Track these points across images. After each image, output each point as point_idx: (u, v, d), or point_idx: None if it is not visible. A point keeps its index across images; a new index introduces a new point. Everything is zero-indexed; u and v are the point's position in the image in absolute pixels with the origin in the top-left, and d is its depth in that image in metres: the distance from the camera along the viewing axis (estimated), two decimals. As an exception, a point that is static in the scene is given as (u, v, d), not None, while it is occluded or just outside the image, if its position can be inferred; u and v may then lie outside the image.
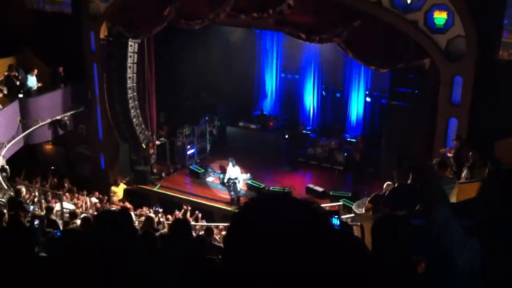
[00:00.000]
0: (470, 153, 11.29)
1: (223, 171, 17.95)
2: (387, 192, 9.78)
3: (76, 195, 16.20)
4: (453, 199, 8.36)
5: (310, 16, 14.82)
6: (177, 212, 14.95)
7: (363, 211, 11.33)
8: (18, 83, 17.39)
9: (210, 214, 16.44)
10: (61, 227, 9.67)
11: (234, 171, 17.01)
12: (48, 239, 6.95)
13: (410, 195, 8.69)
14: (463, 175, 11.17)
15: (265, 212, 1.46)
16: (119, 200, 16.51)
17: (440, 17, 13.49)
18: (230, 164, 17.06)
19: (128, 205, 14.56)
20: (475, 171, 10.85)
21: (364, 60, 15.15)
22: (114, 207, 13.91)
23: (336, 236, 1.52)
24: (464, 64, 13.34)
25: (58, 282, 5.22)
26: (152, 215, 11.12)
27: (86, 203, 15.52)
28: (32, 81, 17.91)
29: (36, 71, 17.98)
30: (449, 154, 12.26)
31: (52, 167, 19.30)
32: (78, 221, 9.66)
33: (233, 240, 1.50)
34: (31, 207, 11.21)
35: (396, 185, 9.42)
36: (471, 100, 13.51)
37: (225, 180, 17.41)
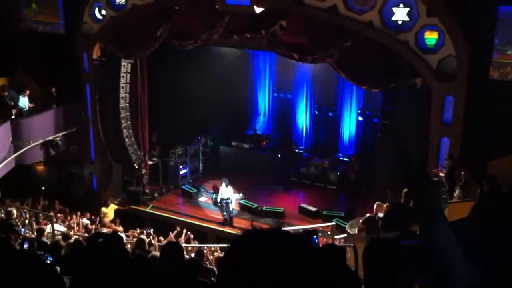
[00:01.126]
0: (462, 173, 11.30)
1: (216, 191, 17.87)
2: (379, 213, 9.80)
3: (69, 217, 16.06)
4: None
5: (303, 37, 14.91)
6: (171, 235, 14.86)
7: (356, 231, 11.31)
8: (12, 103, 17.38)
9: (203, 234, 16.34)
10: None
11: (226, 191, 16.94)
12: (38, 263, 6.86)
13: (404, 215, 8.69)
14: (455, 194, 11.17)
15: (257, 247, 1.59)
16: (110, 221, 16.36)
17: (431, 37, 13.59)
18: (223, 184, 16.99)
19: (118, 228, 14.40)
20: (468, 190, 10.85)
21: (356, 80, 15.23)
22: (105, 229, 13.79)
23: (324, 267, 1.64)
24: (456, 84, 13.42)
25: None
26: (143, 237, 11.02)
27: (78, 224, 15.39)
28: (24, 102, 17.90)
29: (28, 92, 17.97)
30: (441, 174, 12.27)
31: (43, 188, 19.17)
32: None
33: (227, 272, 1.63)
34: (22, 229, 11.10)
35: (388, 205, 9.44)
36: (463, 120, 13.58)
37: (218, 200, 17.33)
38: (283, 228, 1.67)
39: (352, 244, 9.07)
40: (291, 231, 1.66)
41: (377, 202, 10.31)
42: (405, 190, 9.91)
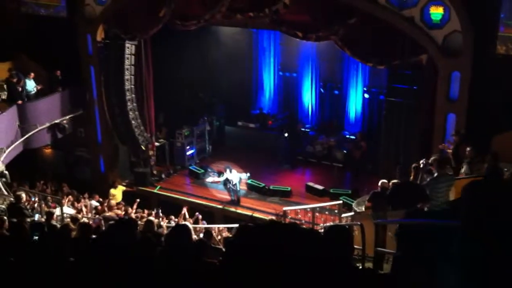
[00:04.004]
0: (468, 149, 11.27)
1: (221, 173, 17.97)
2: (385, 189, 9.81)
3: (77, 200, 16.14)
4: (451, 196, 8.36)
5: (306, 15, 14.81)
6: (181, 215, 14.92)
7: (363, 209, 11.35)
8: (20, 89, 17.40)
9: (210, 214, 16.44)
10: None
11: (232, 176, 16.94)
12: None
13: (410, 193, 8.71)
14: (462, 170, 11.14)
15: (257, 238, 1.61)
16: (118, 203, 16.35)
17: (437, 12, 13.46)
18: (227, 170, 17.03)
19: (120, 212, 14.28)
20: (474, 166, 10.84)
21: (361, 58, 15.13)
22: (110, 213, 13.82)
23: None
24: (462, 59, 13.31)
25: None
26: (152, 218, 11.08)
27: (86, 206, 15.47)
28: (30, 85, 17.91)
29: (33, 74, 17.95)
30: (448, 150, 12.24)
31: (50, 172, 19.28)
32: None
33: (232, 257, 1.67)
34: (37, 215, 11.21)
35: (393, 183, 9.44)
36: (469, 95, 13.49)
37: (223, 181, 17.41)
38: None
39: (359, 223, 9.09)
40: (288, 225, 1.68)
41: (382, 180, 10.29)
42: (414, 165, 9.90)
